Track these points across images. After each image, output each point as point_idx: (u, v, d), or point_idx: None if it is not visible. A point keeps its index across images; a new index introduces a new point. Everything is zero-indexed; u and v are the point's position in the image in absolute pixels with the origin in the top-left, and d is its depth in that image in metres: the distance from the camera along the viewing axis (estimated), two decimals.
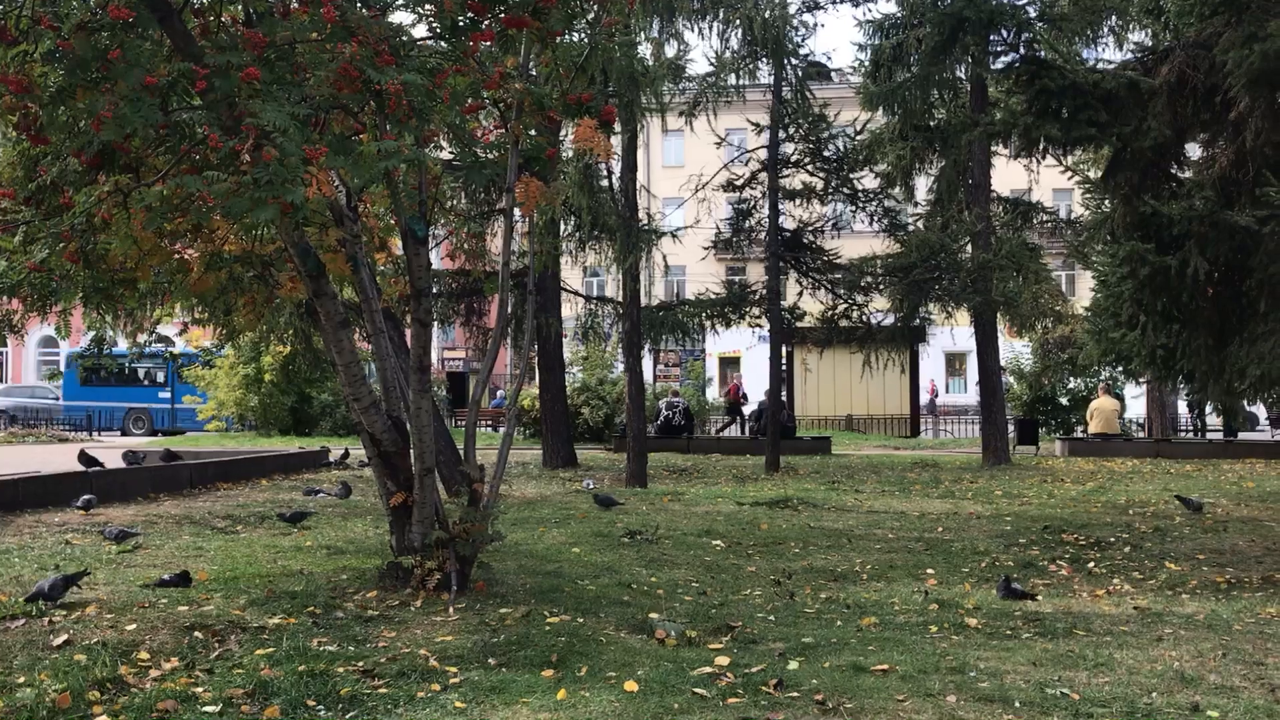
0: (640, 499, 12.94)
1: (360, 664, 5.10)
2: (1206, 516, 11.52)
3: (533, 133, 6.87)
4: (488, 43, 6.40)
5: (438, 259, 19.93)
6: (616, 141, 15.54)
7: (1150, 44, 10.97)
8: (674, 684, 4.83)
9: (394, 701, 4.63)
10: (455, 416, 29.56)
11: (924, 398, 42.33)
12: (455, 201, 14.96)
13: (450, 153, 8.01)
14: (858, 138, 19.05)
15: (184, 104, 5.70)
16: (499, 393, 34.86)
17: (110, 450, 17.33)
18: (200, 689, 4.71)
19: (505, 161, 6.88)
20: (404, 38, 6.32)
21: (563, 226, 16.88)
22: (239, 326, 13.32)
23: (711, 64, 17.07)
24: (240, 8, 6.35)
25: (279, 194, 5.10)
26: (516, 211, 7.60)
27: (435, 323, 19.20)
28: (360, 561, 7.92)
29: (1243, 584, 8.26)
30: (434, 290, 17.53)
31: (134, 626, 5.74)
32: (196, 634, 5.63)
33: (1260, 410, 27.26)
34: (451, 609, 6.25)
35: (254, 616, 6.08)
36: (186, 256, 7.44)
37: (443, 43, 6.27)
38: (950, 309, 19.04)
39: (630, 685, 4.78)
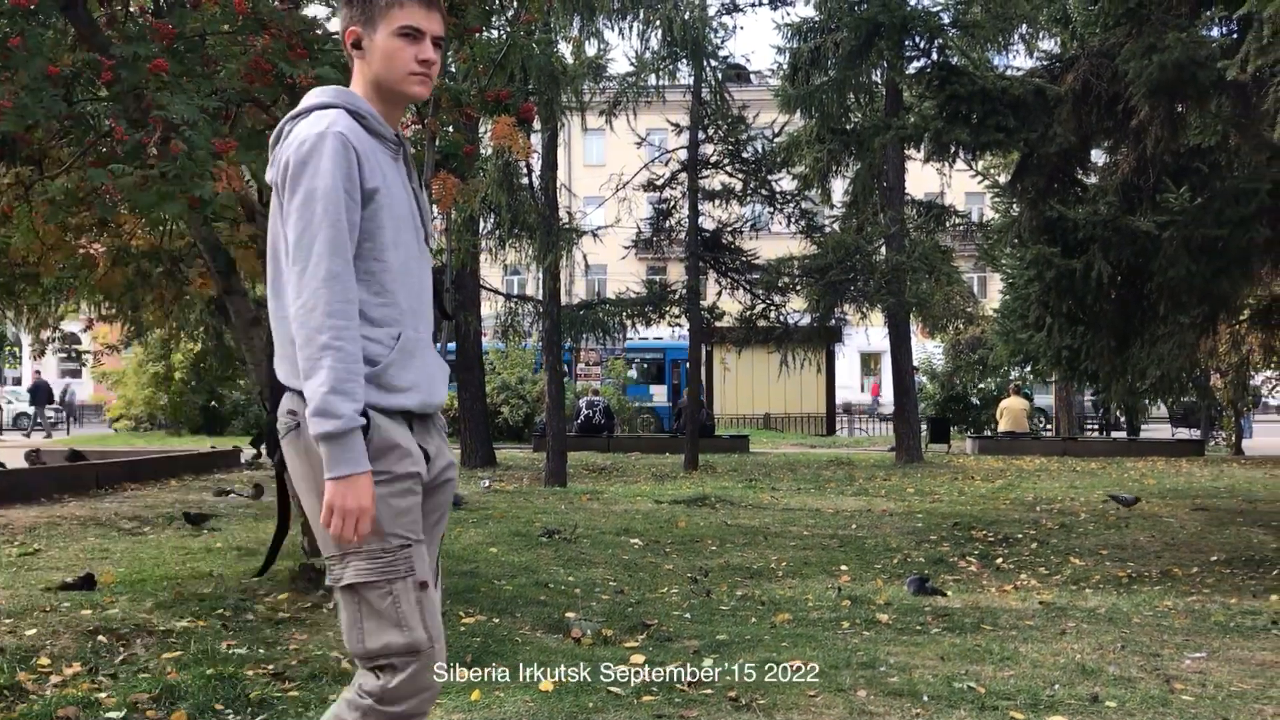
0: (559, 498, 12.93)
1: (271, 667, 5.01)
2: (1110, 513, 11.88)
3: (449, 129, 6.83)
4: None
5: None
6: (537, 139, 15.50)
7: (1058, 52, 11.26)
8: (589, 683, 4.83)
9: (305, 704, 4.56)
10: None
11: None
12: None
13: None
14: (776, 140, 19.26)
15: (89, 95, 5.55)
16: None
17: (12, 450, 16.79)
18: (104, 694, 4.59)
19: (422, 157, 6.83)
20: (319, 31, 6.25)
21: (482, 224, 16.80)
22: (147, 323, 13.03)
23: (632, 64, 17.12)
24: None
25: (187, 188, 5.00)
26: (434, 208, 7.54)
27: None
28: None
29: (1143, 578, 8.54)
30: None
31: (34, 631, 5.57)
32: (100, 638, 5.48)
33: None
34: None
35: (161, 620, 5.94)
36: (92, 251, 7.26)
37: None
38: (865, 310, 19.38)
39: (546, 685, 4.77)
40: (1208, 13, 8.14)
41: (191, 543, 8.98)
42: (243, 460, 17.16)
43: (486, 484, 14.31)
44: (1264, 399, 24.43)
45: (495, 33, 7.71)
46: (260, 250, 6.79)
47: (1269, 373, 20.61)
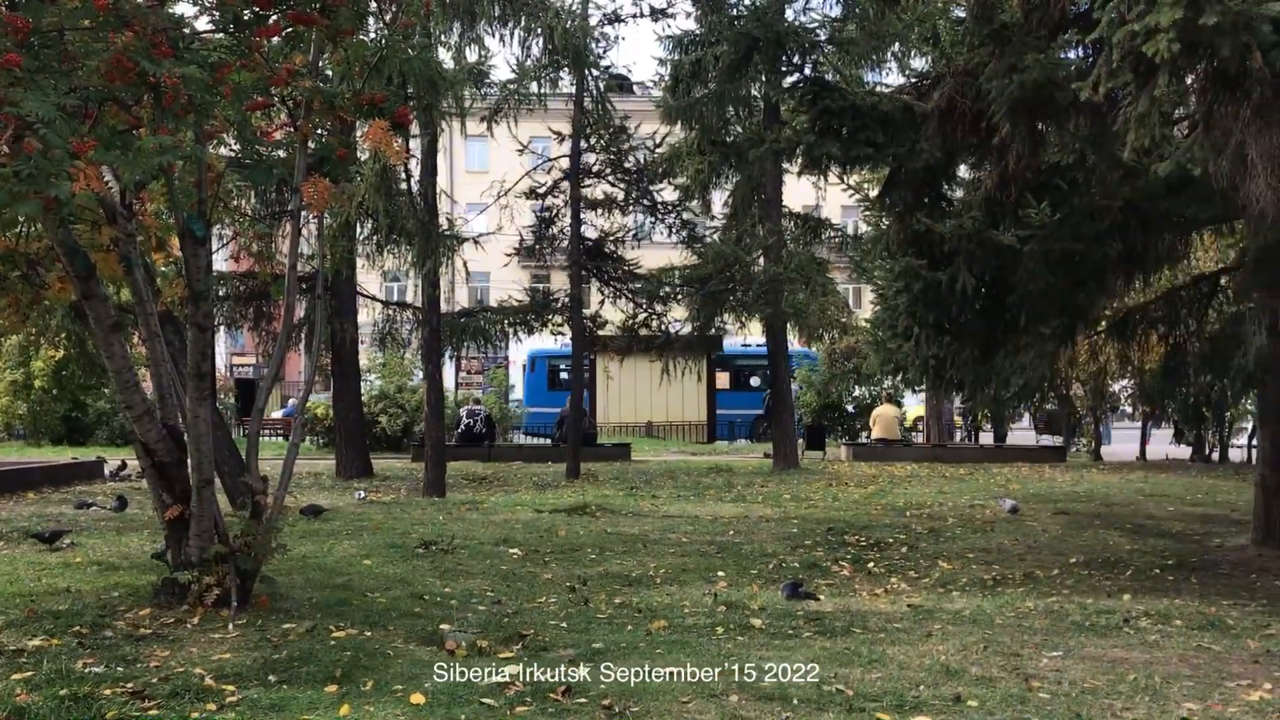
0: (438, 509, 12.77)
1: (130, 685, 4.84)
2: (976, 518, 12.28)
3: (321, 133, 6.70)
4: (275, 38, 6.21)
5: (225, 261, 19.11)
6: (416, 144, 15.31)
7: (928, 71, 11.60)
8: (462, 695, 4.79)
9: None
10: (243, 425, 28.35)
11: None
12: (244, 201, 14.41)
13: (232, 151, 7.72)
14: (658, 150, 19.42)
15: None
16: (290, 401, 33.72)
17: None
18: None
19: (293, 161, 6.68)
20: (185, 30, 6.06)
21: (360, 229, 16.50)
22: (2, 329, 12.45)
23: (514, 71, 17.05)
24: None
25: (42, 188, 4.80)
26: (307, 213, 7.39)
27: (222, 327, 18.43)
28: (134, 578, 7.51)
29: (1007, 580, 8.85)
30: (221, 293, 16.81)
31: None
32: None
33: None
34: (231, 625, 6.01)
35: (11, 639, 5.69)
36: None
37: (226, 36, 6.05)
38: (744, 319, 19.66)
39: (417, 698, 4.71)
40: (1064, 36, 8.49)
41: (48, 558, 8.60)
42: (107, 472, 16.50)
43: (361, 495, 14.05)
44: (1121, 407, 25.56)
45: (372, 35, 7.59)
46: (122, 254, 6.56)
47: (1125, 381, 21.58)
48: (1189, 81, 6.90)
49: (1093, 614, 7.17)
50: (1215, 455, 21.79)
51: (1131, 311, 11.50)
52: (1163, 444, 23.98)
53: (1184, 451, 23.01)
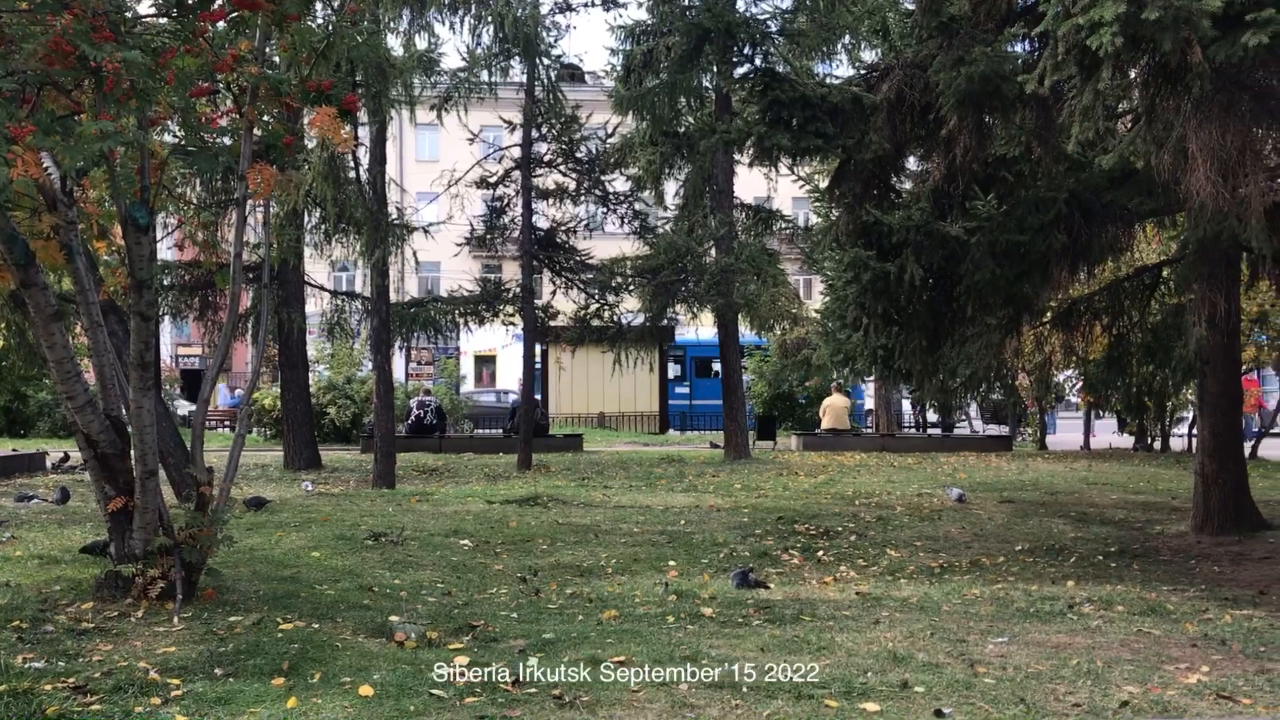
0: (387, 500, 12.68)
1: (71, 680, 4.75)
2: (924, 506, 12.42)
3: (268, 120, 6.61)
4: (220, 23, 6.12)
5: (170, 249, 18.82)
6: (365, 133, 15.16)
7: (878, 62, 11.68)
8: (411, 686, 4.76)
9: (108, 718, 4.35)
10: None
11: None
12: (189, 189, 14.19)
13: (176, 137, 7.60)
14: (609, 140, 19.38)
15: None
16: (236, 391, 33.31)
17: None
18: None
19: (238, 148, 6.59)
20: (127, 13, 5.96)
21: (308, 218, 16.32)
22: None
23: (464, 59, 16.94)
24: None
25: None
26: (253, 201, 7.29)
27: (167, 317, 18.15)
28: (76, 571, 7.38)
29: (953, 568, 8.97)
30: (166, 283, 16.54)
31: None
32: None
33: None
34: (176, 619, 5.93)
35: None
36: None
37: (170, 21, 5.95)
38: (695, 310, 19.69)
39: (365, 689, 4.68)
40: (1011, 29, 8.59)
41: None
42: (49, 464, 16.19)
43: (309, 486, 13.91)
44: (1066, 397, 25.96)
45: (319, 21, 7.51)
46: (63, 241, 6.43)
47: (1070, 372, 21.90)
48: (1132, 75, 7.03)
49: (1037, 600, 7.29)
50: (1157, 444, 22.21)
51: (1076, 303, 11.66)
52: (1107, 433, 24.40)
53: (1127, 441, 23.44)
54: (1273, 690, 4.93)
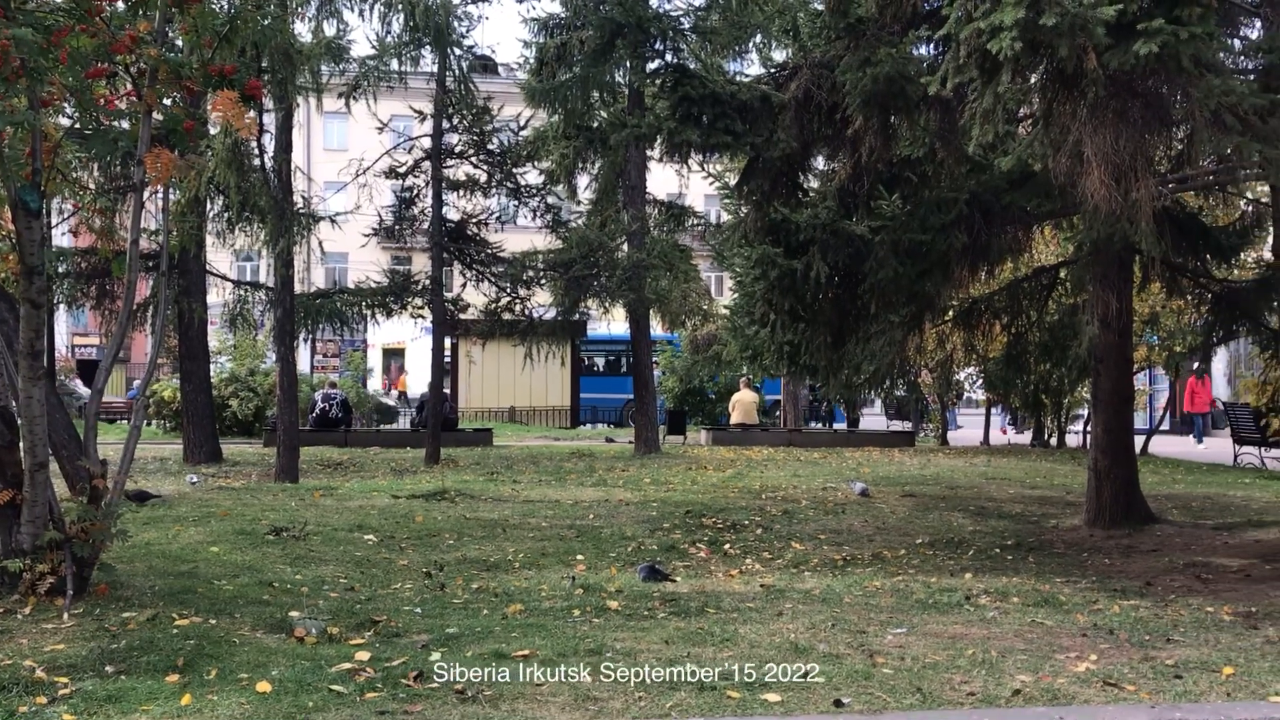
0: (290, 494, 12.44)
1: None
2: (829, 500, 12.61)
3: (167, 103, 6.43)
4: (119, 3, 5.95)
5: (65, 235, 18.20)
6: (270, 119, 14.84)
7: (787, 62, 11.82)
8: (310, 682, 4.69)
9: None
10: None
11: None
12: (86, 173, 13.75)
13: (71, 119, 7.35)
14: (522, 133, 19.29)
15: None
16: (135, 383, 32.37)
17: None
18: None
19: (137, 132, 6.40)
20: None
21: (210, 206, 15.93)
22: None
23: (374, 47, 16.70)
24: None
25: None
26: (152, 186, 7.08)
27: (62, 305, 17.57)
28: None
29: (856, 560, 9.12)
30: (61, 270, 16.01)
31: None
32: None
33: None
34: (67, 615, 5.74)
35: None
36: None
37: None
38: (607, 305, 19.71)
39: (263, 686, 4.59)
40: (916, 32, 8.74)
41: None
42: None
43: (194, 480, 13.54)
44: (966, 394, 26.58)
45: (223, 4, 7.33)
46: None
47: (971, 369, 22.44)
48: (1032, 80, 7.21)
49: (936, 592, 7.46)
50: (1053, 440, 22.87)
51: (977, 302, 11.94)
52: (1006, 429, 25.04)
53: (1025, 437, 24.08)
54: (1156, 677, 5.11)
